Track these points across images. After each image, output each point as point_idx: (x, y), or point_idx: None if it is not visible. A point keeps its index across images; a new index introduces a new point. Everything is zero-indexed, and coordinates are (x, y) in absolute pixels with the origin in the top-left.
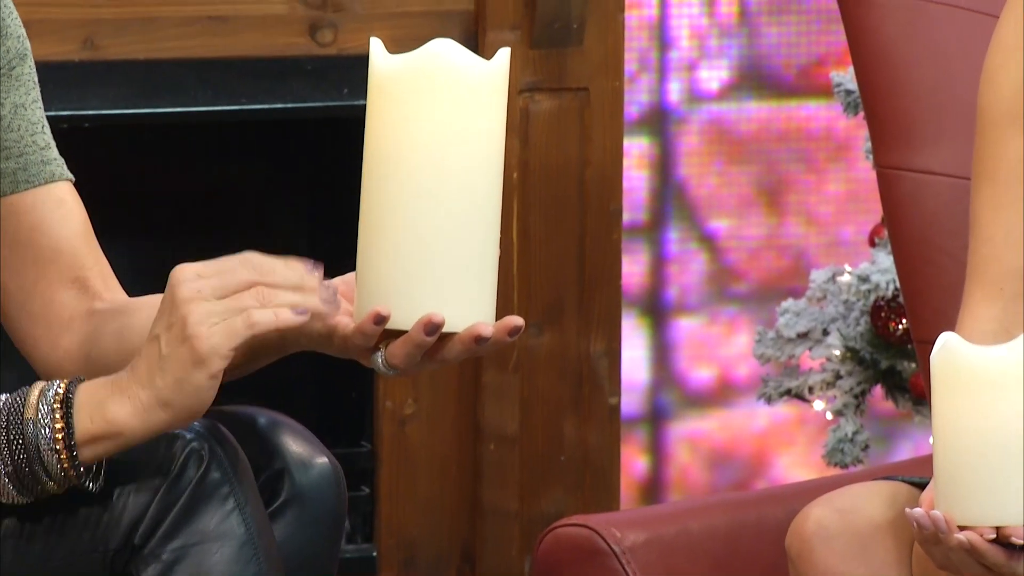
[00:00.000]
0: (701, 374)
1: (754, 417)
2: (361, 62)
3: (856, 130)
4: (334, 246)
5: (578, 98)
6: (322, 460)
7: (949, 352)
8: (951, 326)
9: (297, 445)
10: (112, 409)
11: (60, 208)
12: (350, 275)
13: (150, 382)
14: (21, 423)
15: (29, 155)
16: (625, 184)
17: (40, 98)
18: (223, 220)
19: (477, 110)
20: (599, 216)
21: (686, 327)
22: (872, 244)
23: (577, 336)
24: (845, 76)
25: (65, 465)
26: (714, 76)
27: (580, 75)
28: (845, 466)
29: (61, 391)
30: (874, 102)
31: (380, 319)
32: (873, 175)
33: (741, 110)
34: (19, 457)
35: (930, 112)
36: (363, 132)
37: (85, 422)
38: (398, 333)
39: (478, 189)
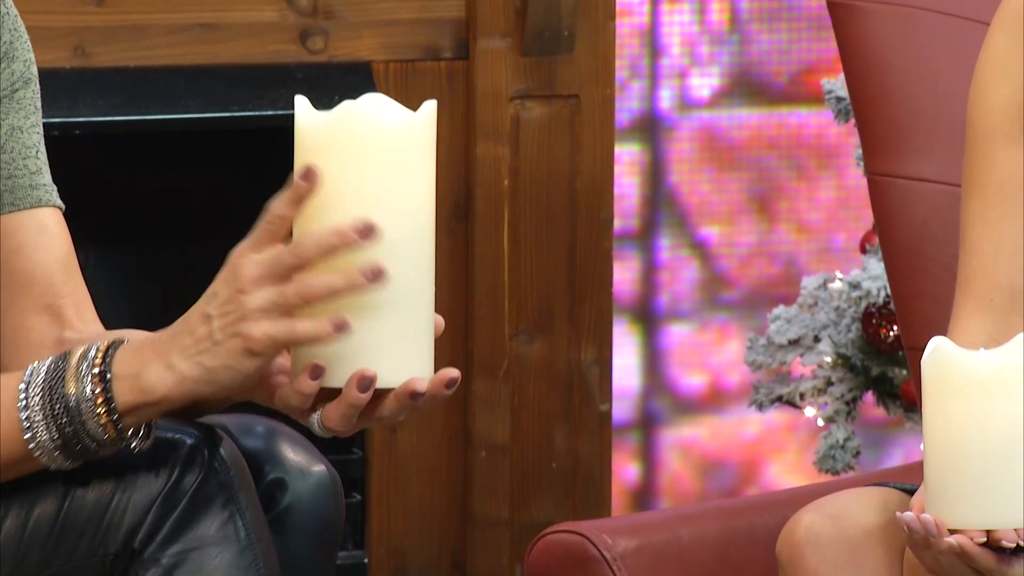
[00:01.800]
0: (692, 381)
1: (745, 424)
2: (352, 69)
3: (847, 137)
4: None
5: (569, 105)
6: (320, 468)
7: (940, 356)
8: (941, 333)
9: (295, 453)
10: (151, 379)
11: (41, 234)
12: None
13: (196, 361)
14: (64, 397)
15: (18, 178)
16: (616, 191)
17: (40, 124)
18: (213, 228)
19: (402, 165)
20: (590, 223)
21: (677, 334)
22: (863, 251)
23: (568, 344)
24: (836, 83)
25: (111, 434)
26: (705, 83)
27: (571, 82)
28: (836, 473)
29: (98, 363)
30: (865, 109)
31: (317, 372)
32: (864, 182)
33: (732, 117)
34: (67, 431)
35: (921, 119)
36: None
37: (125, 393)
38: (334, 394)
39: (408, 244)
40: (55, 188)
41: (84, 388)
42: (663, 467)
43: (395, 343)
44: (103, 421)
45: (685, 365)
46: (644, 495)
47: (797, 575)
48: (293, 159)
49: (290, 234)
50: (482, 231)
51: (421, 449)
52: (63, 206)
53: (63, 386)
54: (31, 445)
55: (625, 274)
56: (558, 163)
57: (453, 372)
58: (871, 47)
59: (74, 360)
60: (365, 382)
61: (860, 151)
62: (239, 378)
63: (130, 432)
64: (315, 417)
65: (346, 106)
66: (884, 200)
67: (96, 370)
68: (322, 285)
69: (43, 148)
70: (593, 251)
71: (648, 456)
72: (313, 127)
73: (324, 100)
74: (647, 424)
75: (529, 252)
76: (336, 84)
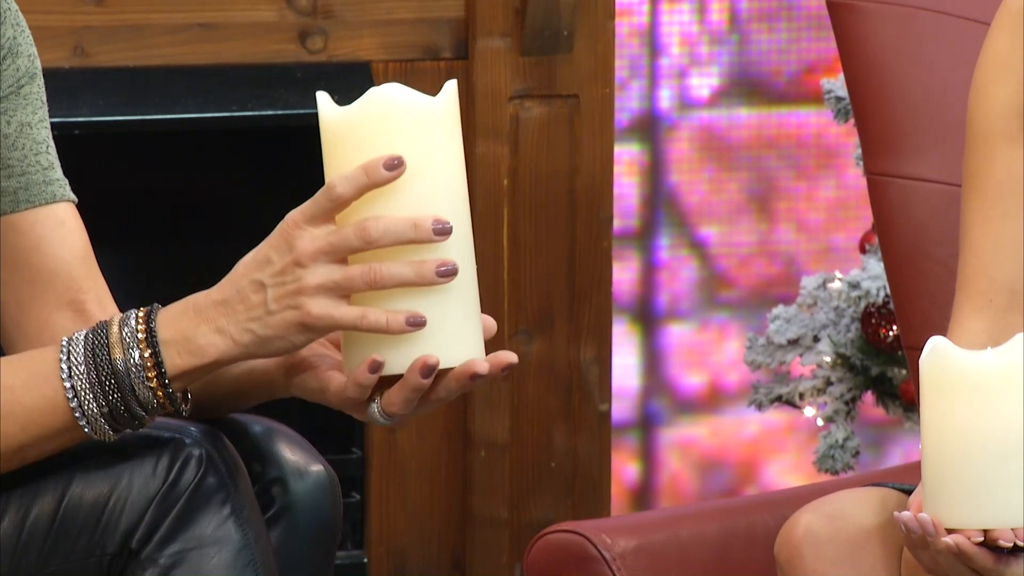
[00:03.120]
0: (692, 381)
1: (745, 423)
2: (352, 69)
3: (846, 137)
4: None
5: (568, 105)
6: (317, 468)
7: (938, 356)
8: (941, 333)
9: (293, 453)
10: (201, 343)
11: (60, 229)
12: None
13: (247, 327)
14: (110, 363)
15: (32, 174)
16: (616, 191)
17: (47, 118)
18: (213, 227)
19: (433, 146)
20: (589, 223)
21: (677, 334)
22: (862, 251)
23: (567, 343)
24: (835, 83)
25: (161, 400)
26: (705, 83)
27: (570, 82)
28: (836, 472)
29: (143, 328)
30: (864, 109)
31: (376, 366)
32: (863, 182)
33: (732, 117)
34: (113, 397)
35: (920, 119)
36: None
37: (174, 358)
38: (390, 381)
39: (457, 236)
40: (67, 182)
41: (132, 354)
42: (662, 467)
43: (450, 324)
44: (153, 385)
45: (684, 365)
46: (643, 495)
47: (796, 574)
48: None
49: None
50: (482, 230)
51: (420, 448)
52: (76, 199)
53: (108, 353)
54: (77, 414)
55: (624, 274)
56: (558, 163)
57: (511, 356)
58: (871, 47)
59: (115, 328)
60: (427, 369)
61: (859, 151)
62: (290, 349)
63: (177, 396)
64: (375, 406)
65: (371, 94)
66: (883, 200)
67: (141, 336)
68: (393, 275)
69: (52, 142)
70: (592, 251)
71: (647, 456)
72: (338, 120)
73: None
74: (646, 424)
75: (528, 252)
76: (335, 84)
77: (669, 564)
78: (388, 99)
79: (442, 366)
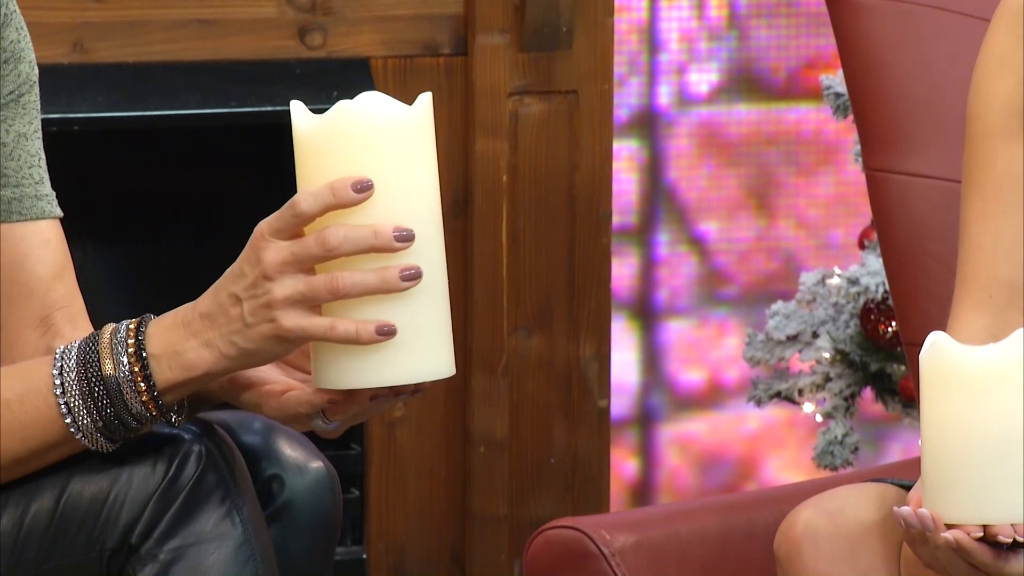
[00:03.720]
0: (691, 376)
1: (744, 419)
2: (351, 65)
3: (845, 133)
4: None
5: (567, 101)
6: (317, 465)
7: (938, 351)
8: (940, 329)
9: (292, 450)
10: (191, 357)
11: (44, 248)
12: None
13: (231, 340)
14: (101, 378)
15: (24, 187)
16: (615, 187)
17: (40, 129)
18: (212, 224)
19: (403, 159)
20: (588, 219)
21: (676, 330)
22: (861, 247)
23: (567, 339)
24: (834, 79)
25: (153, 412)
26: (704, 79)
27: (569, 78)
28: (835, 468)
29: (132, 343)
30: (863, 105)
31: (335, 401)
32: (862, 178)
33: (731, 113)
34: (107, 412)
35: (919, 115)
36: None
37: (165, 371)
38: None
39: (428, 247)
40: (55, 196)
41: (122, 368)
42: (662, 463)
43: (412, 339)
44: (144, 399)
45: (684, 361)
46: (643, 491)
47: (795, 570)
48: (292, 157)
49: None
50: (481, 227)
51: (420, 445)
52: (62, 215)
53: (99, 367)
54: (72, 429)
55: (624, 270)
56: (557, 159)
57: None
58: (870, 43)
59: (105, 340)
60: (379, 399)
61: (859, 147)
62: (272, 359)
63: (168, 408)
64: (316, 415)
65: (342, 105)
66: (882, 196)
67: (131, 350)
68: (355, 283)
69: (43, 155)
70: (592, 247)
71: (646, 452)
72: (311, 129)
73: (323, 96)
74: (646, 420)
75: (528, 248)
76: (335, 80)
77: (668, 560)
78: (359, 110)
79: (408, 381)
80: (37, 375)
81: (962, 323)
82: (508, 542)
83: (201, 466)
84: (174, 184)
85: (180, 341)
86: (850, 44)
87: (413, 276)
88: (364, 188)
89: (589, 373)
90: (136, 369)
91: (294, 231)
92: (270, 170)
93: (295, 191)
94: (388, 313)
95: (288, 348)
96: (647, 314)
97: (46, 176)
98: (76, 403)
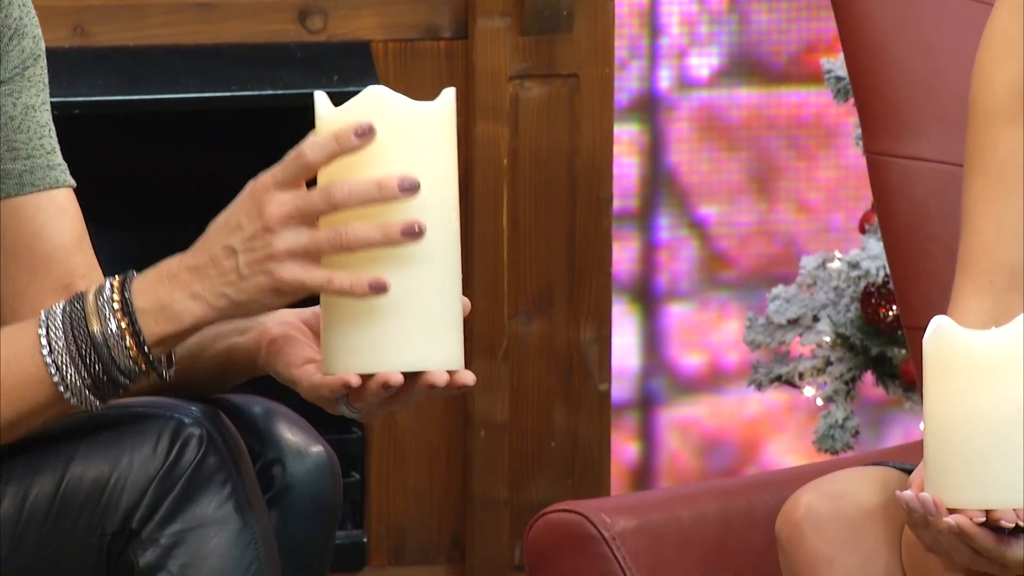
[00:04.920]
0: (691, 360)
1: (744, 403)
2: (351, 49)
3: (846, 116)
4: None
5: (568, 85)
6: (317, 449)
7: (941, 335)
8: (941, 312)
9: (292, 434)
10: (177, 309)
11: (61, 217)
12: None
13: (221, 291)
14: (88, 335)
15: (36, 158)
16: (615, 171)
17: (48, 101)
18: (211, 208)
19: (427, 153)
20: (589, 203)
21: (676, 313)
22: (862, 230)
23: (567, 323)
24: (835, 62)
25: (143, 366)
26: (704, 63)
27: (570, 62)
28: (835, 452)
29: (118, 299)
30: (864, 88)
31: (348, 387)
32: (863, 161)
33: (731, 97)
34: (94, 369)
35: (920, 98)
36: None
37: (151, 326)
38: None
39: (435, 233)
40: (67, 167)
41: (109, 324)
42: (662, 447)
43: (425, 330)
44: (133, 354)
45: (684, 345)
46: (643, 475)
47: (796, 554)
48: (292, 140)
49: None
50: (481, 211)
51: (420, 429)
52: (75, 184)
53: (86, 325)
54: (61, 388)
55: (624, 254)
56: (557, 143)
57: (469, 379)
58: (871, 26)
59: (90, 298)
60: (388, 387)
61: (859, 130)
62: (264, 311)
63: (158, 361)
64: (343, 401)
65: (366, 97)
66: (883, 180)
67: (117, 305)
68: (358, 235)
69: (52, 125)
70: (592, 231)
71: (647, 436)
72: (334, 120)
73: (323, 80)
74: (646, 404)
75: (528, 232)
76: (335, 64)
77: (669, 544)
78: (383, 103)
79: (411, 369)
80: (24, 338)
81: (963, 307)
82: (508, 526)
83: (202, 450)
84: (174, 168)
85: (166, 294)
86: (851, 27)
87: (415, 232)
88: (364, 132)
89: (590, 357)
90: (124, 324)
91: (298, 182)
92: (270, 154)
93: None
94: (399, 310)
95: (283, 301)
96: (647, 298)
97: (57, 147)
98: (64, 361)
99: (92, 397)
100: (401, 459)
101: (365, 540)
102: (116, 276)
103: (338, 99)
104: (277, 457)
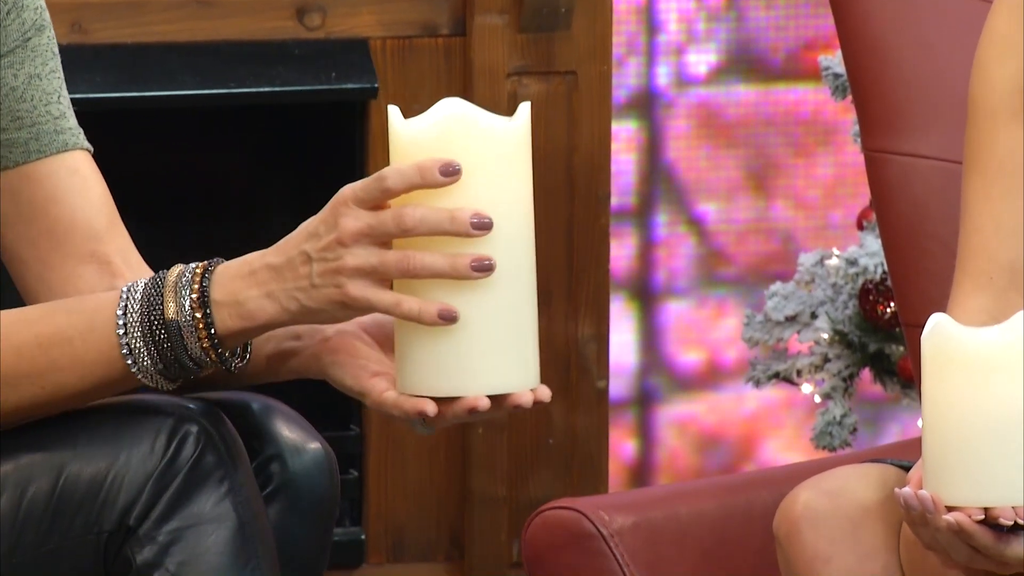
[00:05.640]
0: (689, 357)
1: (742, 400)
2: (350, 46)
3: (844, 114)
4: None
5: (566, 82)
6: (315, 446)
7: (940, 333)
8: (939, 309)
9: (290, 431)
10: (252, 307)
11: (73, 177)
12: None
13: (294, 296)
14: (164, 323)
15: (42, 124)
16: (613, 168)
17: (60, 69)
18: (210, 205)
19: (503, 172)
20: (587, 200)
21: (674, 311)
22: (860, 227)
23: (565, 320)
24: (833, 60)
25: (212, 358)
26: (702, 60)
27: (568, 59)
28: (833, 449)
29: (196, 287)
30: (862, 86)
31: (423, 415)
32: (861, 159)
33: (729, 94)
34: (168, 355)
35: (918, 95)
36: (351, 116)
37: (225, 320)
38: None
39: (515, 255)
40: (82, 131)
41: (184, 312)
42: (660, 444)
43: (506, 352)
44: (204, 345)
45: (682, 342)
46: (641, 472)
47: (794, 551)
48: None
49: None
50: None
51: None
52: (92, 148)
53: (163, 309)
54: (133, 369)
55: (622, 251)
56: (555, 140)
57: (545, 394)
58: (869, 23)
59: (171, 281)
60: (474, 412)
61: (857, 128)
62: (334, 321)
63: (228, 354)
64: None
65: (444, 111)
66: (881, 177)
67: (194, 295)
68: (425, 265)
69: (65, 92)
70: (590, 228)
71: (645, 433)
72: (413, 136)
73: (321, 77)
74: (644, 401)
75: None
76: (333, 61)
77: (667, 541)
78: (462, 120)
79: (489, 392)
80: (101, 314)
81: (962, 305)
82: (507, 523)
83: (199, 447)
84: (172, 165)
85: (243, 290)
86: (849, 24)
87: (485, 267)
88: (451, 172)
89: (588, 354)
90: (198, 315)
91: (376, 203)
92: (268, 151)
93: (293, 171)
94: (475, 331)
95: (351, 315)
96: (646, 295)
97: (69, 112)
98: (137, 345)
99: (162, 379)
100: (399, 456)
101: (363, 537)
102: (199, 263)
103: (336, 96)
104: (275, 454)
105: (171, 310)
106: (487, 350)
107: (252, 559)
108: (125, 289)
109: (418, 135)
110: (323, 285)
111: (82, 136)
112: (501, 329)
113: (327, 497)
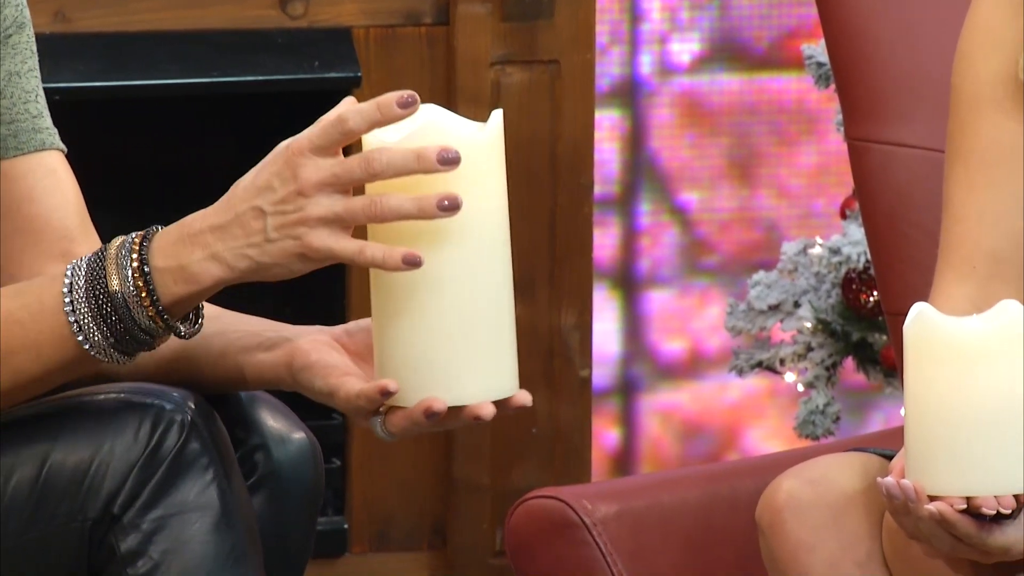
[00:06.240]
0: (672, 346)
1: (725, 389)
2: (333, 35)
3: (827, 102)
4: None
5: (549, 71)
6: (299, 436)
7: (923, 322)
8: (922, 298)
9: (274, 420)
10: (196, 270)
11: (50, 177)
12: (355, 324)
13: (244, 253)
14: (108, 295)
15: (20, 122)
16: (596, 157)
17: (38, 68)
18: (193, 194)
19: (475, 179)
20: (570, 189)
21: (657, 299)
22: (843, 216)
23: (548, 309)
24: (816, 48)
25: (160, 324)
26: (685, 48)
27: (551, 48)
28: (816, 438)
29: (136, 256)
30: (845, 74)
31: (386, 393)
32: (844, 147)
33: (713, 82)
34: (117, 328)
35: (901, 84)
36: (334, 104)
37: (169, 285)
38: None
39: (486, 257)
40: (56, 131)
41: (127, 283)
42: (643, 433)
43: (473, 361)
44: (151, 313)
45: (665, 331)
46: (624, 461)
47: (777, 540)
48: (275, 126)
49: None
50: None
51: None
52: (66, 149)
53: (106, 283)
54: (86, 346)
55: (605, 239)
56: (538, 128)
57: (525, 399)
58: (852, 12)
59: (112, 253)
60: (432, 415)
61: (840, 116)
62: (287, 275)
63: (179, 321)
64: (378, 420)
65: (419, 120)
66: (864, 165)
67: (135, 264)
68: (393, 208)
69: (42, 92)
70: (573, 216)
71: (628, 422)
72: (382, 142)
73: (304, 66)
74: (627, 390)
75: (509, 217)
76: (316, 50)
77: (650, 530)
78: (436, 128)
79: (455, 403)
80: (47, 293)
81: (945, 293)
82: (490, 512)
83: (184, 435)
84: (155, 154)
85: (185, 254)
86: (832, 13)
87: (451, 206)
88: (409, 103)
89: (571, 343)
90: (140, 284)
91: (335, 149)
92: (251, 140)
93: None
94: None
95: (307, 268)
96: (629, 284)
97: (45, 112)
98: (86, 320)
99: (117, 354)
100: (382, 445)
101: (346, 526)
102: (138, 232)
103: (319, 85)
104: (260, 443)
105: (114, 283)
106: (462, 356)
107: (236, 548)
108: (70, 267)
109: (388, 141)
110: (280, 239)
111: (57, 136)
112: (476, 335)
113: (312, 487)
